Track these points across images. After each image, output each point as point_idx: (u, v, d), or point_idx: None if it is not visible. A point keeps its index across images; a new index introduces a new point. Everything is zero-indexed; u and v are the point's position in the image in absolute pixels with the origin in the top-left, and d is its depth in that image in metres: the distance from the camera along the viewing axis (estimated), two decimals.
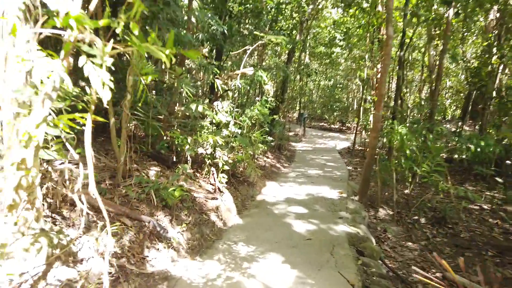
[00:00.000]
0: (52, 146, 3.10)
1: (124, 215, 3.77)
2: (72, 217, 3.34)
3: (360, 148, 15.55)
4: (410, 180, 6.34)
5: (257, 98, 13.55)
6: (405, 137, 5.51)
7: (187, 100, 8.32)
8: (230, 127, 7.93)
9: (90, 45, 1.73)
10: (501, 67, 10.73)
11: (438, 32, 9.73)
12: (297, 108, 28.64)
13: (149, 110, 5.69)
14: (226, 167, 5.96)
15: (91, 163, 1.96)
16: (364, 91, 16.90)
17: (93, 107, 2.09)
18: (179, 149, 5.95)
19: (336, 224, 5.06)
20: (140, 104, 6.19)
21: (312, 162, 11.09)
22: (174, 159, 5.91)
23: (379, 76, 21.63)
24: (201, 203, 5.05)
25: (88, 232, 3.23)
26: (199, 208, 4.88)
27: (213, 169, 6.05)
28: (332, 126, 27.91)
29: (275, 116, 9.04)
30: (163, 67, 5.40)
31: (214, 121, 8.14)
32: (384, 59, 6.50)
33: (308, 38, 20.93)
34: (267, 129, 9.84)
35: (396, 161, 5.83)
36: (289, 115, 27.40)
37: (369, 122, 16.24)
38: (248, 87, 14.25)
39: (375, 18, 14.67)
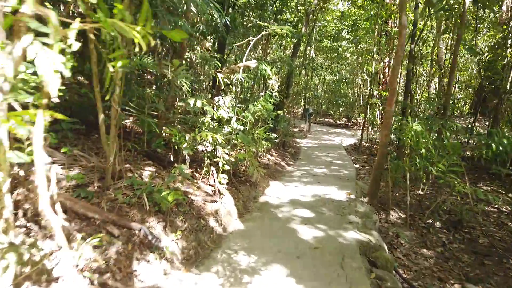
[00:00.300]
0: (27, 146, 2.72)
1: (111, 223, 3.39)
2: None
3: (367, 144, 15.10)
4: (424, 180, 5.91)
5: (261, 93, 13.13)
6: (420, 134, 5.07)
7: (186, 95, 7.94)
8: (232, 123, 7.53)
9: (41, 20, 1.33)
10: None
11: (451, 23, 9.22)
12: (302, 103, 28.18)
13: (145, 106, 5.31)
14: (227, 167, 5.57)
15: (42, 171, 1.57)
16: (372, 86, 16.41)
17: (45, 101, 1.69)
18: (177, 147, 5.57)
19: (346, 230, 4.66)
20: (135, 99, 5.84)
21: (318, 160, 10.67)
22: (172, 158, 5.53)
23: (386, 70, 21.15)
24: (199, 206, 4.67)
25: (66, 244, 2.86)
26: (196, 213, 4.50)
27: (213, 168, 5.66)
28: (338, 121, 27.43)
29: (279, 112, 8.63)
30: (159, 58, 5.03)
31: (215, 117, 7.76)
32: (397, 50, 6.05)
33: (314, 31, 20.42)
34: (271, 125, 9.43)
35: (410, 161, 5.39)
36: (294, 111, 26.95)
37: (376, 118, 15.77)
38: (252, 82, 13.82)
39: (384, 9, 14.16)
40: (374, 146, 14.81)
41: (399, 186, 6.99)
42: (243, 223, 4.89)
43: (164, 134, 5.81)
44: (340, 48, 27.43)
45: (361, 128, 17.42)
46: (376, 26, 14.03)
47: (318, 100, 31.28)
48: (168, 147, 5.77)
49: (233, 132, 6.55)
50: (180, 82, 4.73)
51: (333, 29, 23.07)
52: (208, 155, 5.77)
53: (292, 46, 14.00)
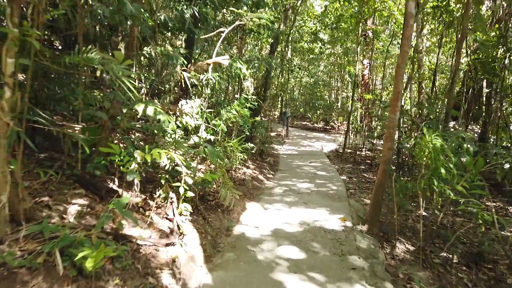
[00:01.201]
0: None
1: None
2: None
3: (349, 151, 14.09)
4: (439, 206, 4.79)
5: (236, 96, 11.87)
6: (440, 152, 3.93)
7: (132, 100, 6.57)
8: (201, 132, 6.24)
9: None
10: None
11: (447, 19, 8.27)
12: (279, 106, 27.12)
13: (75, 113, 3.92)
14: (190, 194, 4.25)
15: None
16: (354, 88, 15.45)
17: None
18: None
19: (351, 283, 3.44)
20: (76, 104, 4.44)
21: (300, 171, 9.48)
22: (116, 184, 4.16)
23: (366, 72, 20.36)
24: (148, 255, 3.33)
25: None
26: (143, 266, 3.16)
27: (172, 195, 4.33)
28: (316, 125, 26.49)
29: (256, 119, 7.40)
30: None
31: (180, 125, 6.43)
32: (402, 45, 4.93)
33: (292, 31, 19.39)
34: (247, 133, 8.17)
35: (424, 182, 4.25)
36: (272, 114, 25.81)
37: (359, 124, 14.80)
38: (227, 83, 12.50)
39: (366, 7, 13.22)
40: (357, 153, 13.82)
41: (399, 210, 5.87)
42: (211, 273, 3.58)
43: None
44: (317, 49, 26.63)
45: (345, 133, 16.41)
46: (361, 24, 13.03)
47: (295, 103, 30.31)
48: (113, 167, 4.38)
49: (201, 144, 5.25)
50: (119, 80, 3.38)
51: (311, 29, 22.12)
52: (166, 176, 4.44)
53: (269, 45, 12.81)
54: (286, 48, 22.40)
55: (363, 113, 15.03)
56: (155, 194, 4.58)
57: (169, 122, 3.78)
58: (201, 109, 6.32)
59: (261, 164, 9.30)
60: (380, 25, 17.56)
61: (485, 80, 10.49)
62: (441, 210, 4.71)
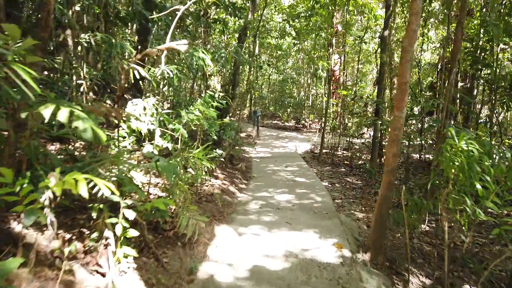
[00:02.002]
0: None
1: None
2: None
3: (325, 150, 13.14)
4: (465, 228, 3.77)
5: (202, 95, 10.59)
6: (474, 161, 2.89)
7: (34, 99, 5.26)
8: (156, 140, 4.96)
9: None
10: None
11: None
12: (248, 105, 25.99)
13: None
14: (133, 233, 2.99)
15: None
16: (327, 84, 14.56)
17: None
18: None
19: None
20: None
21: (276, 178, 8.34)
22: (15, 226, 2.82)
23: (336, 68, 19.58)
24: None
25: None
26: None
27: (108, 233, 3.04)
28: (287, 123, 25.54)
29: (225, 120, 6.17)
30: None
31: (127, 132, 5.14)
32: (410, 22, 3.86)
33: (260, 24, 18.32)
34: (215, 137, 6.93)
35: (452, 200, 3.20)
36: (241, 114, 24.60)
37: (336, 122, 13.88)
38: (192, 81, 11.15)
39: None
40: (334, 152, 12.91)
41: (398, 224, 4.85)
42: None
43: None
44: (285, 45, 25.69)
45: (320, 132, 15.42)
46: (336, 15, 12.08)
47: (264, 101, 29.26)
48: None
49: (152, 157, 3.97)
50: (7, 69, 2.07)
51: (279, 24, 21.15)
52: (101, 206, 3.14)
53: (237, 37, 11.58)
54: (254, 44, 21.32)
55: (338, 110, 14.15)
56: (87, 231, 3.29)
57: (92, 131, 2.48)
58: (156, 110, 5.07)
59: (232, 172, 8.07)
60: (351, 19, 16.76)
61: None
62: (467, 234, 3.69)
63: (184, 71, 5.98)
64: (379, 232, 4.08)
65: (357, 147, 14.63)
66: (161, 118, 5.15)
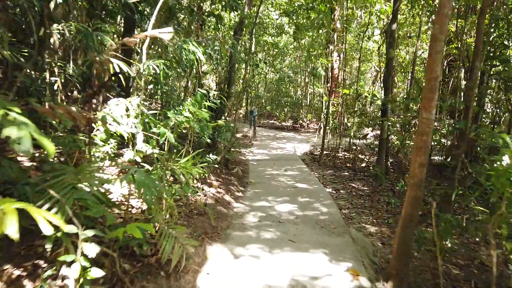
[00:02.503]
0: None
1: None
2: None
3: (325, 152, 12.47)
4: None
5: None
6: None
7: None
8: (139, 145, 4.27)
9: None
10: None
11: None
12: (244, 104, 25.32)
13: None
14: (96, 273, 2.30)
15: None
16: (327, 83, 13.91)
17: None
18: None
19: None
20: None
21: (276, 184, 7.67)
22: None
23: (335, 65, 18.93)
24: None
25: None
26: None
27: (66, 271, 2.36)
28: (284, 123, 24.88)
29: (219, 122, 5.47)
30: None
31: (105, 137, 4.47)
32: (441, 5, 3.20)
33: (257, 20, 17.66)
34: (208, 140, 6.24)
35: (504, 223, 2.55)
36: (237, 114, 23.89)
37: (335, 121, 13.23)
38: (186, 80, 10.44)
39: None
40: (334, 155, 12.27)
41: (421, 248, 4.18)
42: None
43: None
44: (282, 43, 25.03)
45: (321, 132, 14.73)
46: (337, 8, 11.42)
47: (260, 101, 28.58)
48: None
49: (128, 168, 3.31)
50: None
51: (277, 20, 20.50)
52: (58, 235, 2.45)
53: (232, 34, 10.90)
54: (250, 41, 20.65)
55: (339, 109, 13.50)
56: (44, 263, 2.64)
57: (28, 140, 1.79)
58: (142, 111, 4.40)
59: (228, 178, 7.38)
60: (351, 14, 16.10)
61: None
62: None
63: (173, 67, 5.28)
64: (404, 259, 3.41)
65: (358, 148, 14.00)
66: (146, 120, 4.48)
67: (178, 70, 5.73)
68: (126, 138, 4.27)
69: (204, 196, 5.67)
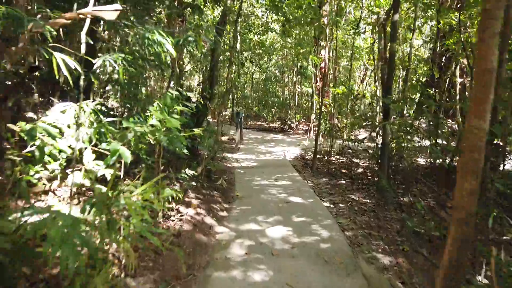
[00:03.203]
0: None
1: None
2: None
3: (319, 156, 11.53)
4: None
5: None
6: None
7: None
8: (88, 164, 3.25)
9: None
10: None
11: None
12: (230, 105, 24.31)
13: None
14: None
15: None
16: (318, 82, 13.01)
17: None
18: None
19: None
20: None
21: (266, 198, 6.68)
22: None
23: (323, 64, 18.08)
24: None
25: None
26: None
27: None
28: (272, 125, 23.93)
29: (196, 131, 4.40)
30: None
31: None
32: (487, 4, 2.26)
33: (240, 12, 16.74)
34: (185, 151, 5.21)
35: None
36: (222, 115, 22.83)
37: (328, 123, 12.31)
38: (169, 80, 9.33)
39: None
40: (328, 159, 11.36)
41: None
42: None
43: None
44: (268, 41, 24.13)
45: (313, 135, 13.77)
46: (327, 2, 10.53)
47: (247, 101, 27.58)
48: None
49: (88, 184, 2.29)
50: None
51: (262, 16, 19.55)
52: None
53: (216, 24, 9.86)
54: (235, 39, 19.70)
55: (331, 110, 12.61)
56: None
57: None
58: (99, 118, 3.41)
59: (209, 193, 6.35)
60: (342, 7, 15.25)
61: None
62: None
63: (138, 63, 4.24)
64: None
65: (350, 151, 13.15)
66: (103, 130, 3.45)
67: (147, 67, 4.69)
68: (72, 154, 3.24)
69: (179, 221, 4.64)
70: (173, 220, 4.59)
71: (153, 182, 2.87)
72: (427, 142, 8.12)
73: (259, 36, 22.56)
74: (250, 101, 28.04)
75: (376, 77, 12.35)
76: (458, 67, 14.26)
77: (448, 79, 13.62)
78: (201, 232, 4.60)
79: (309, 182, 8.45)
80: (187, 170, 5.16)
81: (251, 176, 8.71)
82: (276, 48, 24.67)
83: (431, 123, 8.01)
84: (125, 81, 4.13)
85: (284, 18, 13.35)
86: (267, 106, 25.85)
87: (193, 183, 5.64)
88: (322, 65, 18.89)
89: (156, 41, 3.80)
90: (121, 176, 3.58)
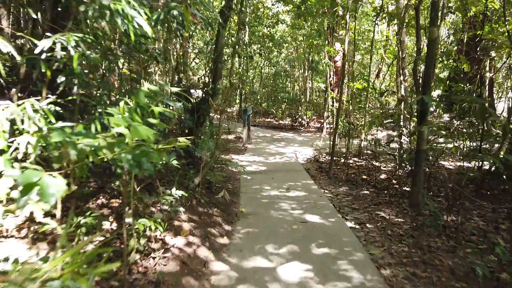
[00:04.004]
0: None
1: None
2: None
3: (335, 158, 10.29)
4: None
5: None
6: None
7: None
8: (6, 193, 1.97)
9: None
10: None
11: None
12: (238, 101, 23.18)
13: None
14: None
15: None
16: (333, 76, 11.74)
17: None
18: None
19: None
20: None
21: (277, 215, 5.50)
22: None
23: (337, 58, 16.81)
24: None
25: None
26: None
27: None
28: (282, 122, 22.71)
29: (181, 142, 3.31)
30: None
31: None
32: None
33: (248, 2, 15.58)
34: (174, 163, 4.06)
35: None
36: (228, 111, 21.67)
37: (346, 123, 11.03)
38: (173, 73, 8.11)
39: None
40: (346, 162, 10.11)
41: None
42: None
43: None
44: (278, 34, 22.83)
45: (324, 133, 12.45)
46: None
47: (256, 97, 26.37)
48: None
49: None
50: None
51: (273, 5, 18.29)
52: None
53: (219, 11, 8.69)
54: (243, 28, 18.49)
55: (349, 107, 11.32)
56: None
57: None
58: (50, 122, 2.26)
59: (207, 211, 5.18)
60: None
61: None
62: None
63: (101, 47, 3.09)
64: None
65: (368, 151, 11.90)
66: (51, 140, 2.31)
67: (119, 53, 3.51)
68: None
69: (163, 258, 3.50)
70: (154, 258, 3.45)
71: (79, 249, 1.72)
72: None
73: (268, 28, 21.34)
74: (259, 97, 26.85)
75: (401, 71, 11.01)
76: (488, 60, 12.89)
77: (479, 74, 12.26)
78: (191, 273, 3.45)
79: (326, 192, 7.25)
80: (173, 191, 4.00)
81: (259, 184, 7.54)
82: (286, 40, 23.34)
83: (473, 123, 6.75)
84: (86, 71, 3.00)
85: (295, 7, 12.14)
86: (276, 102, 24.65)
87: (192, 189, 4.49)
88: (337, 58, 17.61)
89: (122, 12, 2.64)
90: (59, 215, 2.44)
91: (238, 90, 21.12)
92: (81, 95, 3.00)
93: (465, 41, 13.87)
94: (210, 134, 7.16)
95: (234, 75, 7.68)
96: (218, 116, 7.38)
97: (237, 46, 7.74)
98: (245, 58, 19.25)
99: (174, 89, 2.97)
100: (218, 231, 4.63)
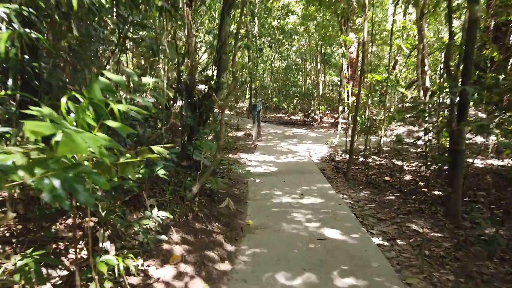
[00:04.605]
0: None
1: None
2: None
3: (344, 156, 9.36)
4: None
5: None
6: None
7: None
8: None
9: None
10: None
11: None
12: (248, 96, 22.35)
13: None
14: None
15: None
16: (348, 68, 10.78)
17: None
18: None
19: None
20: None
21: (289, 231, 4.66)
22: None
23: (352, 49, 15.82)
24: None
25: None
26: None
27: None
28: (294, 117, 21.79)
29: (155, 155, 2.55)
30: None
31: None
32: None
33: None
34: (162, 172, 3.25)
35: None
36: (238, 106, 20.83)
37: (365, 119, 10.07)
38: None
39: None
40: (365, 160, 9.19)
41: None
42: None
43: None
44: (289, 26, 21.85)
45: (339, 129, 11.46)
46: None
47: (266, 92, 25.46)
48: None
49: None
50: None
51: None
52: None
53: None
54: (252, 22, 17.60)
55: (368, 101, 10.36)
56: None
57: None
58: None
59: (207, 227, 4.36)
60: None
61: None
62: None
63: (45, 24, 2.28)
64: None
65: (386, 148, 10.97)
66: None
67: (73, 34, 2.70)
68: None
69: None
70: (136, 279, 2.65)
71: None
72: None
73: (279, 20, 20.42)
74: (269, 92, 25.95)
75: (424, 62, 10.00)
76: None
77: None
78: None
79: (345, 197, 6.38)
80: (156, 212, 3.18)
81: (269, 189, 6.70)
82: (298, 32, 22.33)
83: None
84: (25, 59, 2.20)
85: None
86: (288, 97, 23.72)
87: (185, 212, 3.68)
88: (351, 49, 16.59)
89: None
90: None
91: (248, 84, 20.28)
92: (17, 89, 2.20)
93: (491, 28, 12.72)
94: (214, 133, 6.35)
95: (235, 65, 6.64)
96: (234, 110, 6.56)
97: (238, 28, 6.88)
98: (254, 51, 18.40)
99: (147, 80, 2.15)
100: (218, 253, 3.81)
